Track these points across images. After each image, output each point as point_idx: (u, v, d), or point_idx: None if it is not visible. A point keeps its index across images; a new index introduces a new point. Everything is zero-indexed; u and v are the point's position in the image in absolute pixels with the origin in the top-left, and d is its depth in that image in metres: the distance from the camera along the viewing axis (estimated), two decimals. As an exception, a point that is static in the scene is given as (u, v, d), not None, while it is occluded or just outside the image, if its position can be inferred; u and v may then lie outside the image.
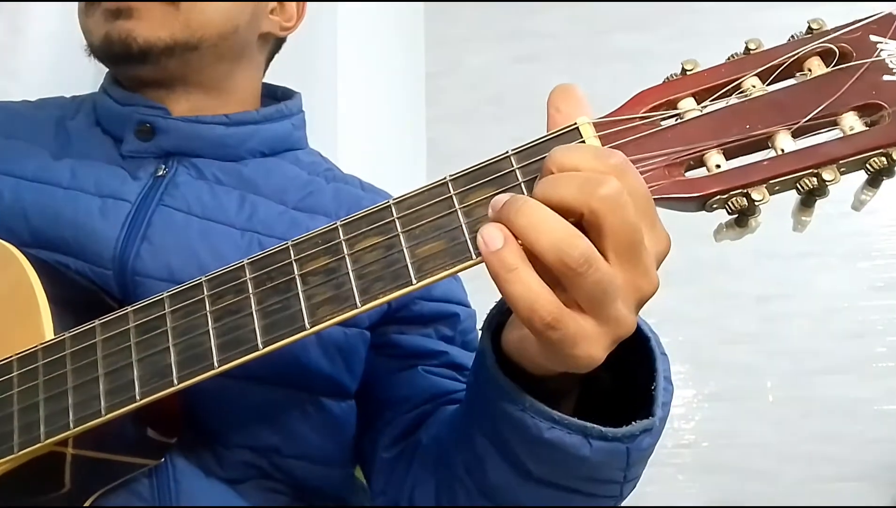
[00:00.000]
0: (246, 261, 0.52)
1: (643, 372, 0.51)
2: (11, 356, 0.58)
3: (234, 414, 0.67)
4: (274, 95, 0.88)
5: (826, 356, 2.20)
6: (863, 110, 0.44)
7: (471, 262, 0.46)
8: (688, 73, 0.48)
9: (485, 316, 0.53)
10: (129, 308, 0.55)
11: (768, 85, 0.46)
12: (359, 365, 0.73)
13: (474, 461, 0.55)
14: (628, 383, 0.52)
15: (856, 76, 0.44)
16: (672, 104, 0.47)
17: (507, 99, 2.49)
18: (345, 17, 1.89)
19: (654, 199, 0.44)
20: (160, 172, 0.74)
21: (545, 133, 0.47)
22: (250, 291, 0.51)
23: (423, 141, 2.55)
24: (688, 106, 0.47)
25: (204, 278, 0.53)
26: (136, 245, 0.68)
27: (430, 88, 2.60)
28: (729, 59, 0.47)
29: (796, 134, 0.45)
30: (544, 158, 0.45)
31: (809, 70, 0.46)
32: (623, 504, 0.54)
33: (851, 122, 0.44)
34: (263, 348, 0.50)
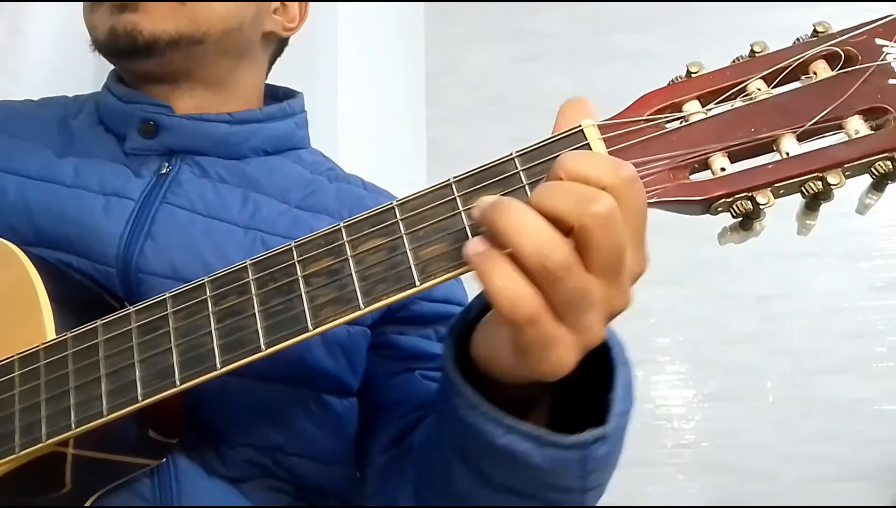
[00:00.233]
0: (249, 262, 0.52)
1: (607, 382, 0.51)
2: (13, 356, 0.57)
3: (237, 412, 0.67)
4: (276, 96, 0.88)
5: (826, 356, 2.20)
6: (868, 114, 0.44)
7: None
8: (692, 75, 0.48)
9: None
10: (132, 308, 0.54)
11: (773, 88, 0.46)
12: (361, 363, 0.73)
13: (443, 467, 0.56)
14: (595, 392, 0.52)
15: (861, 80, 0.44)
16: (677, 107, 0.47)
17: (508, 99, 2.49)
18: (345, 17, 1.89)
19: (659, 202, 0.44)
20: (164, 170, 0.74)
21: (548, 135, 0.47)
22: (253, 292, 0.51)
23: (424, 141, 2.55)
24: (692, 109, 0.47)
25: (207, 279, 0.53)
26: (139, 243, 0.68)
27: (430, 88, 2.60)
28: (734, 61, 0.47)
29: (801, 137, 0.45)
30: (549, 160, 0.45)
31: (815, 73, 0.46)
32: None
33: (857, 125, 0.44)
34: (266, 349, 0.49)
